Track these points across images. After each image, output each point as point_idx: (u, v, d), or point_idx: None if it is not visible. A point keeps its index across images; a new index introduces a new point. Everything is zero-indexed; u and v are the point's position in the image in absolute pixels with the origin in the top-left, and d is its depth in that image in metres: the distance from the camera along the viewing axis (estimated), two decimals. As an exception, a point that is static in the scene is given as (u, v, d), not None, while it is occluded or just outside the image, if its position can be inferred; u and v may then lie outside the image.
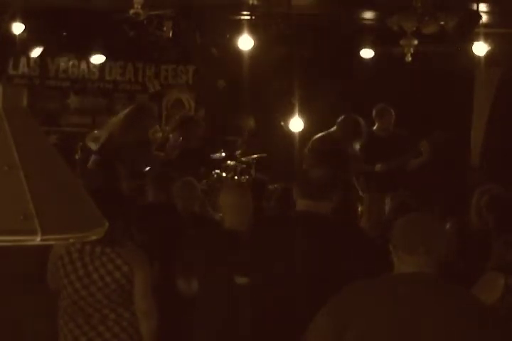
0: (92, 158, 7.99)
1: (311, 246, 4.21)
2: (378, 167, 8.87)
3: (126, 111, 8.43)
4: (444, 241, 3.47)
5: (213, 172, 9.74)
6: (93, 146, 8.08)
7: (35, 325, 5.05)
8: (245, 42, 9.54)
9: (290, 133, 9.53)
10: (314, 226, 4.29)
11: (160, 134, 10.74)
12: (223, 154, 10.05)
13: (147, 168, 8.15)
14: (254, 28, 9.66)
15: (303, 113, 9.42)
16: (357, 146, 8.91)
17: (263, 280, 4.27)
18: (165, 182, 6.60)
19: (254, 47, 9.64)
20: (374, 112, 9.19)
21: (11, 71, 11.39)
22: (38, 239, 1.45)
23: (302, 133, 9.41)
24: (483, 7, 8.98)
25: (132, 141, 8.09)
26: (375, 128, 9.19)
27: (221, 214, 5.16)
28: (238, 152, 10.30)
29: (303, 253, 4.19)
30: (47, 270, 4.77)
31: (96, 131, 8.52)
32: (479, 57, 9.60)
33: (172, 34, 10.24)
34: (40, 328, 5.00)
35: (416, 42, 9.27)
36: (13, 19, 9.44)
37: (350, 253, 4.23)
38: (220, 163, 9.96)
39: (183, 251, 4.96)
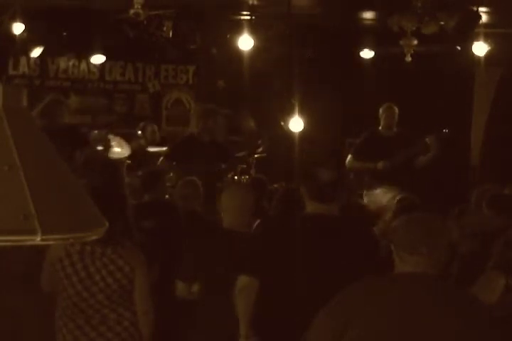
0: None
1: (326, 248, 4.19)
2: (381, 164, 8.87)
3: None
4: (445, 241, 3.46)
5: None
6: None
7: (33, 325, 5.05)
8: (245, 42, 9.55)
9: (290, 133, 9.53)
10: (330, 227, 4.27)
11: (158, 134, 10.74)
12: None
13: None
14: (254, 28, 9.66)
15: (303, 113, 9.42)
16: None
17: (273, 280, 4.25)
18: (154, 180, 6.61)
19: (254, 47, 9.65)
20: (380, 111, 9.22)
21: (11, 71, 11.39)
22: (38, 239, 1.45)
23: (302, 133, 9.40)
24: (483, 7, 8.98)
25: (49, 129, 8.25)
26: (380, 127, 9.22)
27: (222, 214, 5.14)
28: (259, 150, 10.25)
29: (318, 254, 4.17)
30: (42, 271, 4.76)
31: None
32: (479, 57, 9.60)
33: (172, 34, 10.25)
34: (38, 328, 4.99)
35: (416, 42, 9.27)
36: (13, 19, 9.43)
37: (366, 254, 4.21)
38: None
39: (184, 253, 4.95)
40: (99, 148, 8.54)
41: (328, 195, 4.29)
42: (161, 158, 8.73)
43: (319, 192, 4.28)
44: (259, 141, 10.46)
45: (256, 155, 10.20)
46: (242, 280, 4.44)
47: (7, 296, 4.96)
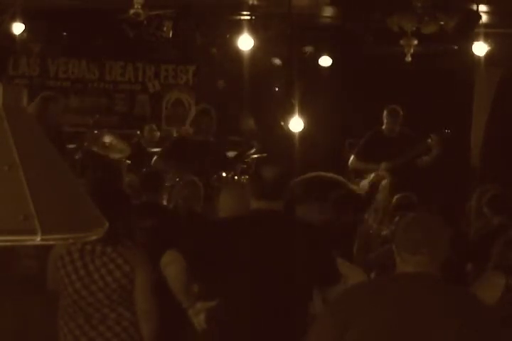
0: None
1: (269, 245, 4.14)
2: (383, 166, 8.88)
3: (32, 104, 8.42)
4: (446, 241, 3.47)
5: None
6: None
7: (35, 324, 5.05)
8: (245, 42, 9.55)
9: (290, 133, 9.53)
10: (271, 224, 4.21)
11: (158, 133, 10.75)
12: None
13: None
14: (254, 28, 9.66)
15: (303, 113, 9.42)
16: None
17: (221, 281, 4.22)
18: (155, 181, 6.58)
19: (254, 47, 9.65)
20: (384, 112, 9.22)
21: (11, 71, 11.39)
22: (38, 239, 1.45)
23: (302, 133, 9.40)
24: (483, 7, 8.99)
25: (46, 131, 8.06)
26: (383, 127, 9.22)
27: (220, 214, 5.13)
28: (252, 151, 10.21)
29: (261, 251, 4.12)
30: (47, 270, 4.77)
31: None
32: (479, 57, 9.60)
33: (172, 34, 10.25)
34: (40, 328, 4.99)
35: (416, 42, 9.28)
36: (13, 19, 9.43)
37: (306, 250, 4.15)
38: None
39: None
40: (94, 148, 8.47)
41: (272, 193, 4.19)
42: (155, 157, 8.68)
43: (263, 190, 4.19)
44: (253, 142, 10.45)
45: (251, 156, 10.20)
46: (169, 255, 4.30)
47: (8, 297, 4.96)
